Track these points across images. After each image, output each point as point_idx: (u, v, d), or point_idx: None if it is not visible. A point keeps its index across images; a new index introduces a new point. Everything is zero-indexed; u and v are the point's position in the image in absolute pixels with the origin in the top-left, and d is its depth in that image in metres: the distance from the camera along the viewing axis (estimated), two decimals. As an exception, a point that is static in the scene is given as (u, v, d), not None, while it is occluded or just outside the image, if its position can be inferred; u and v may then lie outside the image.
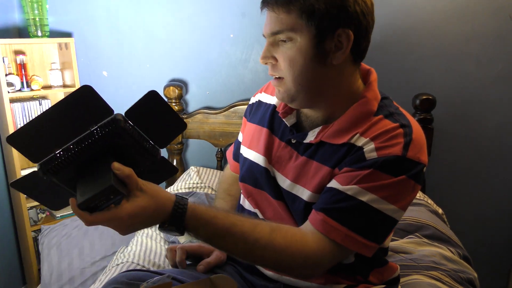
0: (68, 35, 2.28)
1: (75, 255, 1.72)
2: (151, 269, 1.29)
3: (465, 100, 2.02)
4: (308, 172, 0.93)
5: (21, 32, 2.30)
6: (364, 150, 0.85)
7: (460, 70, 2.00)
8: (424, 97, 1.94)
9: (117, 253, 1.65)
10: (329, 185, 0.88)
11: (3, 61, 2.04)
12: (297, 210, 0.95)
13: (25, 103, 2.14)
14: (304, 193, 0.92)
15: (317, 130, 0.94)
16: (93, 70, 2.33)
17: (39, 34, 2.15)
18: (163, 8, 2.20)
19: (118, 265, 1.42)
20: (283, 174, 0.98)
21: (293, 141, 0.98)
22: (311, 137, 0.94)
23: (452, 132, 2.07)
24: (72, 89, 2.22)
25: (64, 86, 2.29)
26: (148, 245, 1.53)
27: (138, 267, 1.39)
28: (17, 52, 2.18)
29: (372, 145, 0.85)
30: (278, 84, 0.92)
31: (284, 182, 0.97)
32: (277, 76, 0.92)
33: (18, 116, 2.11)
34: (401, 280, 1.12)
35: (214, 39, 2.19)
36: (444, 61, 2.00)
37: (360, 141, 0.87)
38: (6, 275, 2.28)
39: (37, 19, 2.12)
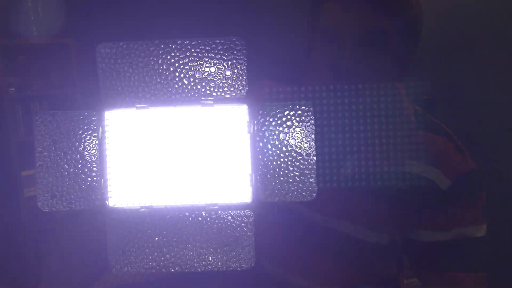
0: (69, 35, 2.28)
1: (76, 256, 1.72)
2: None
3: (465, 100, 2.00)
4: None
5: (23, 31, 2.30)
6: None
7: (460, 70, 1.98)
8: (425, 97, 1.92)
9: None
10: None
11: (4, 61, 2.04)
12: None
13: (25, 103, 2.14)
14: None
15: None
16: (93, 71, 2.33)
17: (40, 34, 2.16)
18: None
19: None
20: None
21: None
22: None
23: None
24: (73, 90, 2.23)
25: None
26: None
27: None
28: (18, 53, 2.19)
29: None
30: None
31: None
32: None
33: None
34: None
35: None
36: (444, 62, 1.99)
37: None
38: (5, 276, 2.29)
39: (38, 19, 2.12)
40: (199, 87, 0.42)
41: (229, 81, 0.42)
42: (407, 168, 0.73)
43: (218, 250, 0.44)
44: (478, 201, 0.75)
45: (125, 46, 0.43)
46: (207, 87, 0.42)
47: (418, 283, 0.82)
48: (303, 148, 0.43)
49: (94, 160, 0.46)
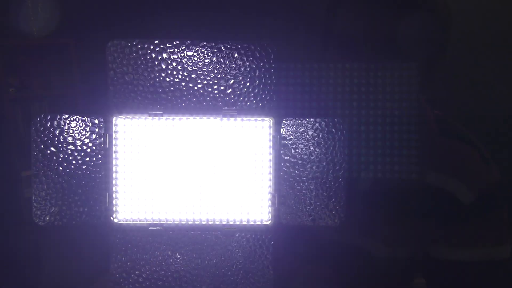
0: (71, 34, 2.25)
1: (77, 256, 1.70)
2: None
3: (466, 100, 1.99)
4: None
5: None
6: None
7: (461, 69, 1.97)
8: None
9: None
10: None
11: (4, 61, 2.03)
12: None
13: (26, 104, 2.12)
14: None
15: None
16: (99, 72, 2.31)
17: (41, 34, 2.14)
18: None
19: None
20: None
21: None
22: None
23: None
24: (75, 92, 2.20)
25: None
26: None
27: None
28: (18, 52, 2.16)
29: None
30: None
31: None
32: None
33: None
34: None
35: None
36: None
37: None
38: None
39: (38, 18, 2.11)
40: (222, 95, 0.38)
41: (256, 90, 0.38)
42: (427, 180, 0.68)
43: (234, 277, 0.40)
44: (503, 218, 0.71)
45: (139, 45, 0.39)
46: (231, 96, 0.38)
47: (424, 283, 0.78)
48: (332, 169, 0.39)
49: (98, 170, 0.41)
